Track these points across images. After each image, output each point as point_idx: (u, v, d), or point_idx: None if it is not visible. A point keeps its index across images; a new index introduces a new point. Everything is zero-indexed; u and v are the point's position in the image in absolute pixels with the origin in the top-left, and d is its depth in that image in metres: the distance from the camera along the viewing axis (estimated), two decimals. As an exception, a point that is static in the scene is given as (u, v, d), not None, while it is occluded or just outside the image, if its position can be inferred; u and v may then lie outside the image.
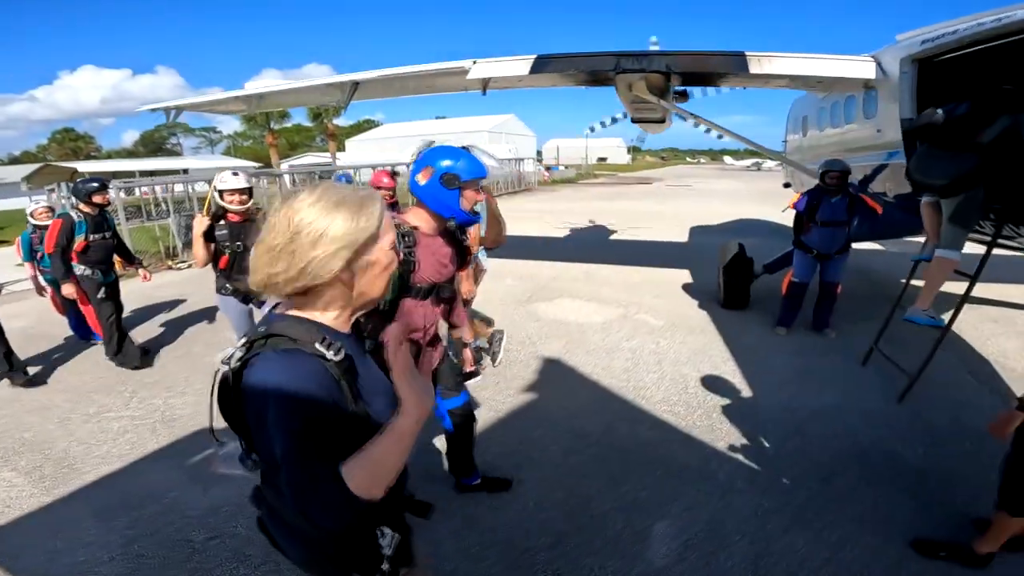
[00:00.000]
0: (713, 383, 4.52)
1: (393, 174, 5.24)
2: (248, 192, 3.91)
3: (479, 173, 2.22)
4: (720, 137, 11.51)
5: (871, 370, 4.67)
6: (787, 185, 10.05)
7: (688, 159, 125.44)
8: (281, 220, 1.08)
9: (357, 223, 1.09)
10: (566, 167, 45.99)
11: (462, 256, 2.47)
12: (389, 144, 52.59)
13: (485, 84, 7.08)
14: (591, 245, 11.58)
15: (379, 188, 5.07)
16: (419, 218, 2.28)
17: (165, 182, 14.12)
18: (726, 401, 4.20)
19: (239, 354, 1.09)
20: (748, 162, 68.74)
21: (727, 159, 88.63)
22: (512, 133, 57.14)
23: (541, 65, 6.15)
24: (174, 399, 4.49)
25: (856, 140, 5.77)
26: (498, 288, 7.72)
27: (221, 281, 4.01)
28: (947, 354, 4.23)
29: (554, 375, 4.79)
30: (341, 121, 56.36)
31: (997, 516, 2.36)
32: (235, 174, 3.88)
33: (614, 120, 12.66)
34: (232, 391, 1.11)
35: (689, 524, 2.84)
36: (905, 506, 2.94)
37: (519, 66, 6.26)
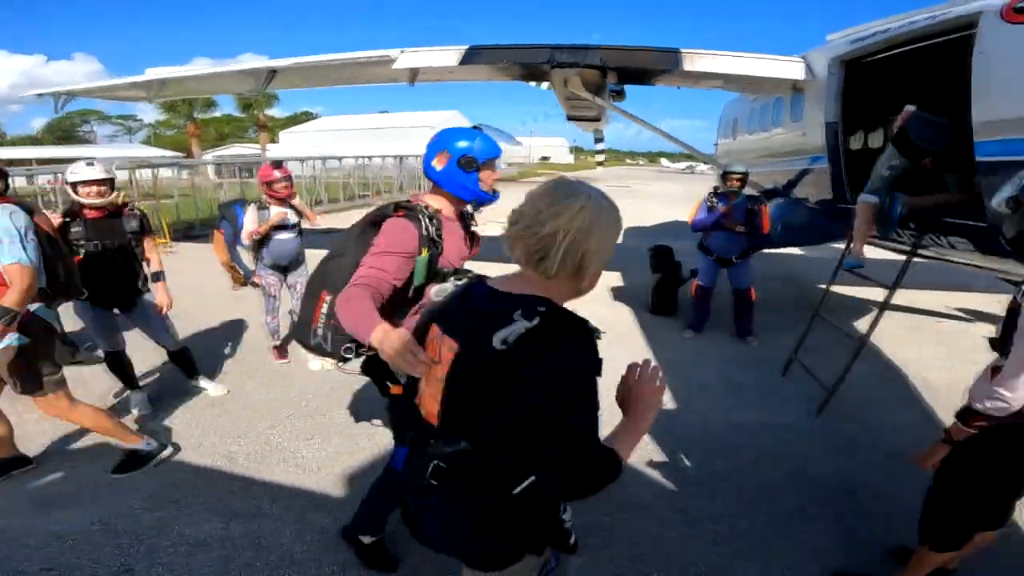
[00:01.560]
0: (638, 395, 4.29)
1: (279, 164, 4.58)
2: (108, 183, 3.36)
3: (495, 152, 2.12)
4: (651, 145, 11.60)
5: (792, 381, 4.57)
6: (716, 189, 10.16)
7: (628, 160, 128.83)
8: (570, 214, 1.16)
9: (618, 231, 1.23)
10: (508, 165, 45.78)
11: (472, 239, 2.39)
12: (326, 137, 50.79)
13: (413, 75, 6.71)
14: None
15: (269, 183, 4.47)
16: (439, 202, 2.16)
17: (57, 171, 12.71)
18: (650, 415, 3.98)
19: (519, 330, 1.11)
20: (683, 165, 71.06)
21: (664, 161, 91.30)
22: None
23: (472, 56, 5.86)
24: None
25: (782, 144, 5.78)
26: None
27: None
28: (862, 364, 4.16)
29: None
30: (276, 112, 53.97)
31: (919, 550, 2.20)
32: (90, 164, 3.34)
33: (546, 116, 12.44)
34: (499, 368, 1.13)
35: (609, 559, 2.58)
36: (828, 534, 2.76)
37: (449, 56, 5.94)
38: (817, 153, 4.98)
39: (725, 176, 5.20)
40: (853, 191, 4.67)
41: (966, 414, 1.85)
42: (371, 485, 2.47)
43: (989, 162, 3.09)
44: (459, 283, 1.50)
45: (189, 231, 12.24)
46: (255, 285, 4.76)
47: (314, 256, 8.63)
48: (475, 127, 2.18)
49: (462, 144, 2.05)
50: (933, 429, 3.75)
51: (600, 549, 2.63)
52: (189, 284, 7.20)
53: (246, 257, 4.80)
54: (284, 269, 4.66)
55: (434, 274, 2.08)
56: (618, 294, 7.35)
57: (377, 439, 3.59)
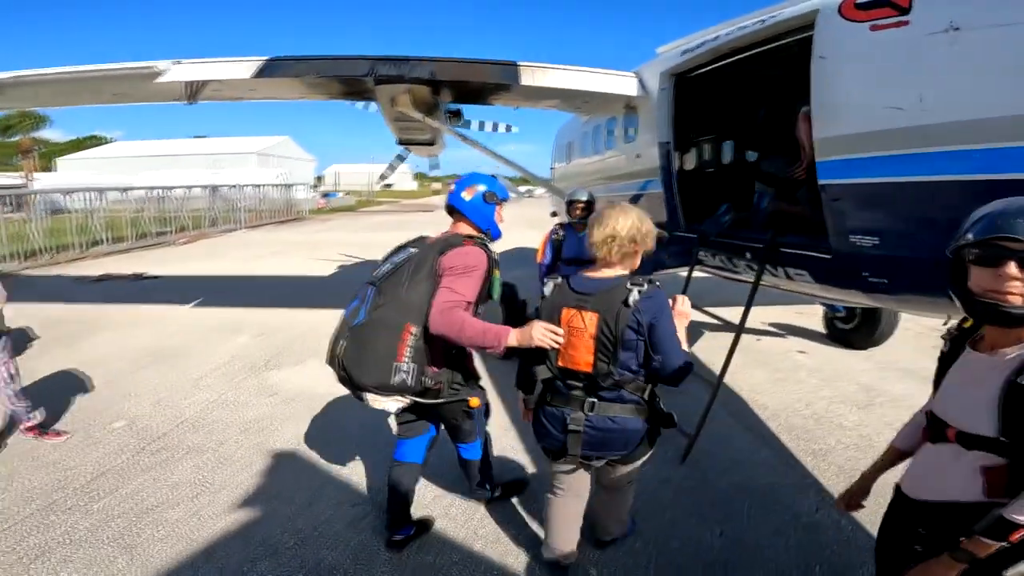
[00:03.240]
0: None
1: None
2: None
3: (507, 195, 2.67)
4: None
5: None
6: (554, 214, 10.08)
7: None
8: (629, 220, 2.14)
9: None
10: (346, 193, 43.76)
11: None
12: (120, 165, 44.20)
13: (192, 91, 5.46)
14: (360, 284, 10.03)
15: None
16: (466, 231, 2.56)
17: None
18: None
19: (638, 292, 2.05)
20: (522, 188, 73.77)
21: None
22: (287, 156, 52.84)
23: (273, 69, 4.90)
24: None
25: (616, 167, 5.61)
26: (225, 351, 5.91)
27: None
28: (706, 392, 3.90)
29: (282, 479, 3.42)
30: (54, 134, 45.31)
31: None
32: None
33: (400, 159, 11.39)
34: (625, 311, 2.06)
35: None
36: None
37: (239, 69, 4.90)
38: (650, 176, 4.84)
39: (570, 205, 4.80)
40: (688, 218, 4.54)
41: (1003, 529, 1.32)
42: (390, 490, 2.68)
43: (832, 185, 2.88)
44: (556, 282, 2.26)
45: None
46: None
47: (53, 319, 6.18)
48: (491, 175, 2.73)
49: (487, 185, 2.58)
50: (791, 463, 3.60)
51: None
52: None
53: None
54: None
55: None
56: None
57: (138, 554, 2.55)
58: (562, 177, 8.37)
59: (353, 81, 5.22)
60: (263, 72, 4.85)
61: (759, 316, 7.34)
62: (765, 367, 5.47)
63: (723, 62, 3.79)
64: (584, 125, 6.75)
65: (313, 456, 3.71)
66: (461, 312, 2.21)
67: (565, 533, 2.45)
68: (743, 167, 4.05)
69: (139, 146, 53.60)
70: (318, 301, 8.23)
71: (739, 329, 3.60)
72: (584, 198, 4.73)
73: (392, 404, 2.34)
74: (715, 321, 7.09)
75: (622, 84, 4.70)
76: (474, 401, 2.52)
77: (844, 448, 3.73)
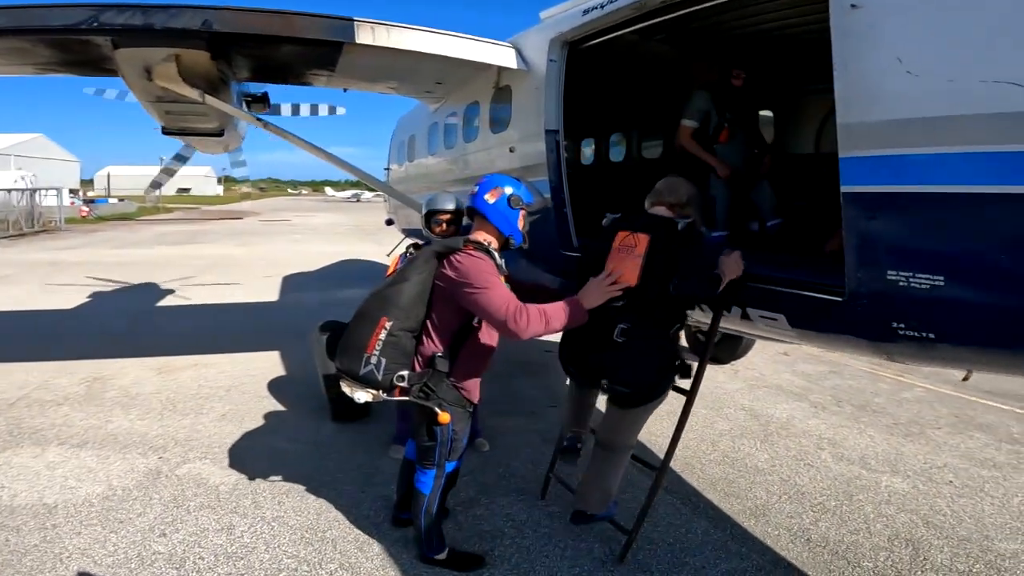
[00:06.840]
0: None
1: None
2: None
3: (532, 200, 2.64)
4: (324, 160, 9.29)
5: (555, 503, 3.25)
6: (389, 222, 8.77)
7: (290, 190, 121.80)
8: (684, 188, 2.63)
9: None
10: (121, 199, 36.76)
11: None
12: None
13: None
14: (115, 322, 7.26)
15: None
16: (486, 237, 2.54)
17: None
18: None
19: (683, 224, 2.42)
20: (348, 193, 70.18)
21: (328, 190, 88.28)
22: (39, 157, 46.03)
23: None
24: None
25: (476, 165, 4.42)
26: None
27: None
28: (640, 474, 3.29)
29: None
30: None
31: None
32: None
33: (181, 159, 8.63)
34: (675, 239, 2.43)
35: None
36: None
37: None
38: (527, 176, 3.76)
39: (431, 217, 3.43)
40: (582, 232, 3.54)
41: None
42: (399, 477, 2.98)
43: (868, 195, 1.92)
44: (615, 216, 2.60)
45: None
46: None
47: None
48: (516, 179, 2.70)
49: (513, 187, 2.58)
50: (736, 534, 3.07)
51: None
52: None
53: None
54: None
55: None
56: (278, 390, 4.84)
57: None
58: (401, 180, 6.97)
59: (74, 44, 3.45)
60: None
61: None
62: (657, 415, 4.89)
63: (651, 22, 2.83)
64: (432, 115, 5.41)
65: None
66: (534, 308, 2.27)
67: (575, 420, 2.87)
68: (676, 163, 3.23)
69: None
70: (41, 351, 5.73)
71: (689, 400, 2.70)
72: (451, 207, 3.38)
73: (361, 395, 2.43)
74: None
75: (494, 54, 3.57)
76: (443, 416, 2.41)
77: (778, 501, 3.42)
